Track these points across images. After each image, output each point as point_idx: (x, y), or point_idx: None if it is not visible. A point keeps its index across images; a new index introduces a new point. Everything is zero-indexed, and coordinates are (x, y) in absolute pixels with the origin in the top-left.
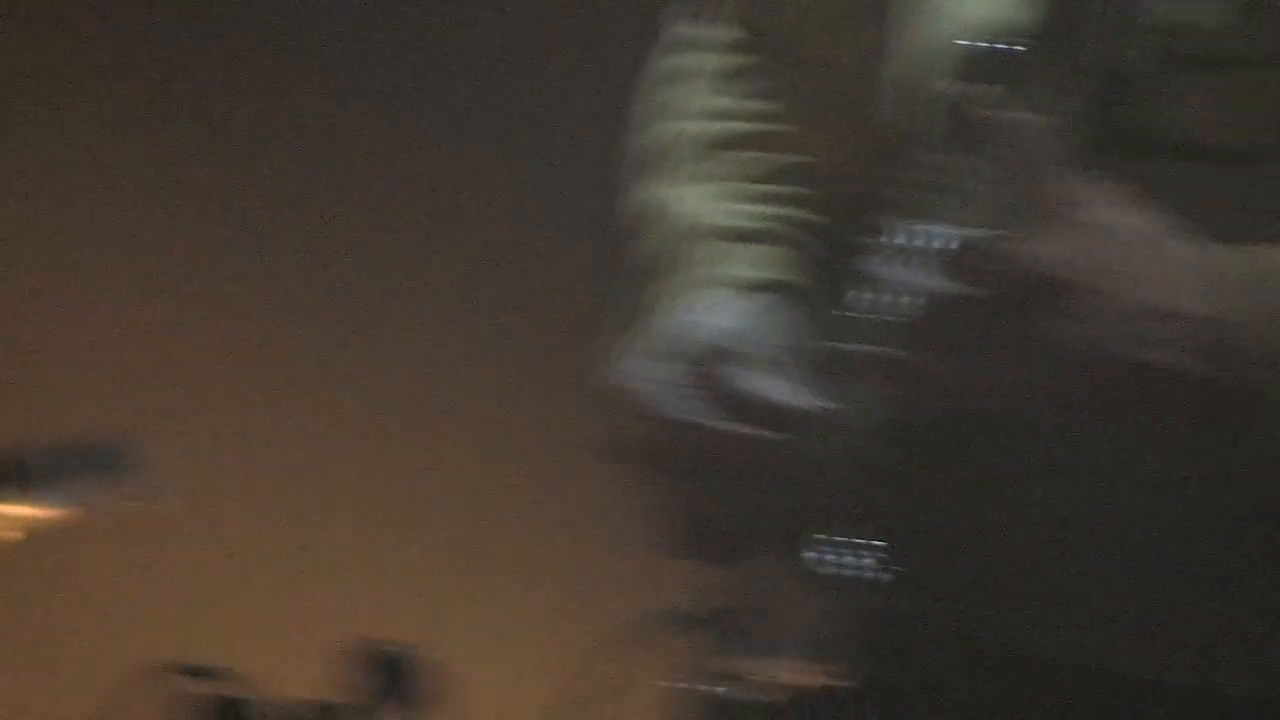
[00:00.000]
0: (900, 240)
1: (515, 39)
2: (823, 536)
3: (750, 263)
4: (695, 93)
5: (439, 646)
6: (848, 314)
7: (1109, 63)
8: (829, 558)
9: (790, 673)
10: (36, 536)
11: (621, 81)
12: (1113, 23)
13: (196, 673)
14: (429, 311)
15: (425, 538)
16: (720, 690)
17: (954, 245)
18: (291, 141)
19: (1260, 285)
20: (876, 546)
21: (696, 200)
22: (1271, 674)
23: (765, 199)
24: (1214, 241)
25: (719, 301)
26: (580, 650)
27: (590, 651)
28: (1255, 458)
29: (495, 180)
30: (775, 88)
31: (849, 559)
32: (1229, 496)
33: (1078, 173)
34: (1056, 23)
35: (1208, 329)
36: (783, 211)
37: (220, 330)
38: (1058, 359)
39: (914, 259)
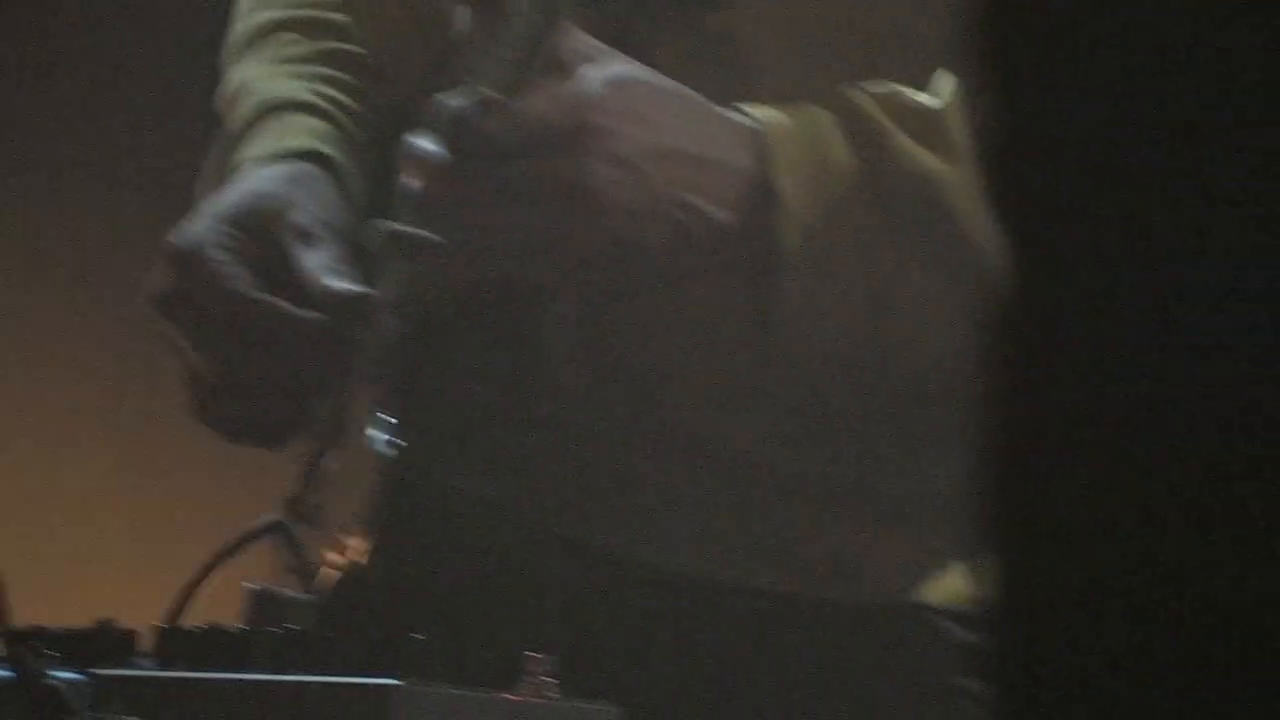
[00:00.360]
0: (428, 112)
1: None
2: (376, 417)
3: (300, 134)
4: None
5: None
6: (381, 190)
7: None
8: (381, 437)
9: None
10: None
11: None
12: None
13: None
14: None
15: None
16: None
17: (466, 108)
18: None
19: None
20: (409, 425)
21: (259, 78)
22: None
23: (315, 78)
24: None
25: (270, 171)
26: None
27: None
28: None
29: None
30: None
31: (393, 438)
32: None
33: (572, 29)
34: None
35: (709, 171)
36: (329, 91)
37: None
38: (579, 213)
39: (440, 128)
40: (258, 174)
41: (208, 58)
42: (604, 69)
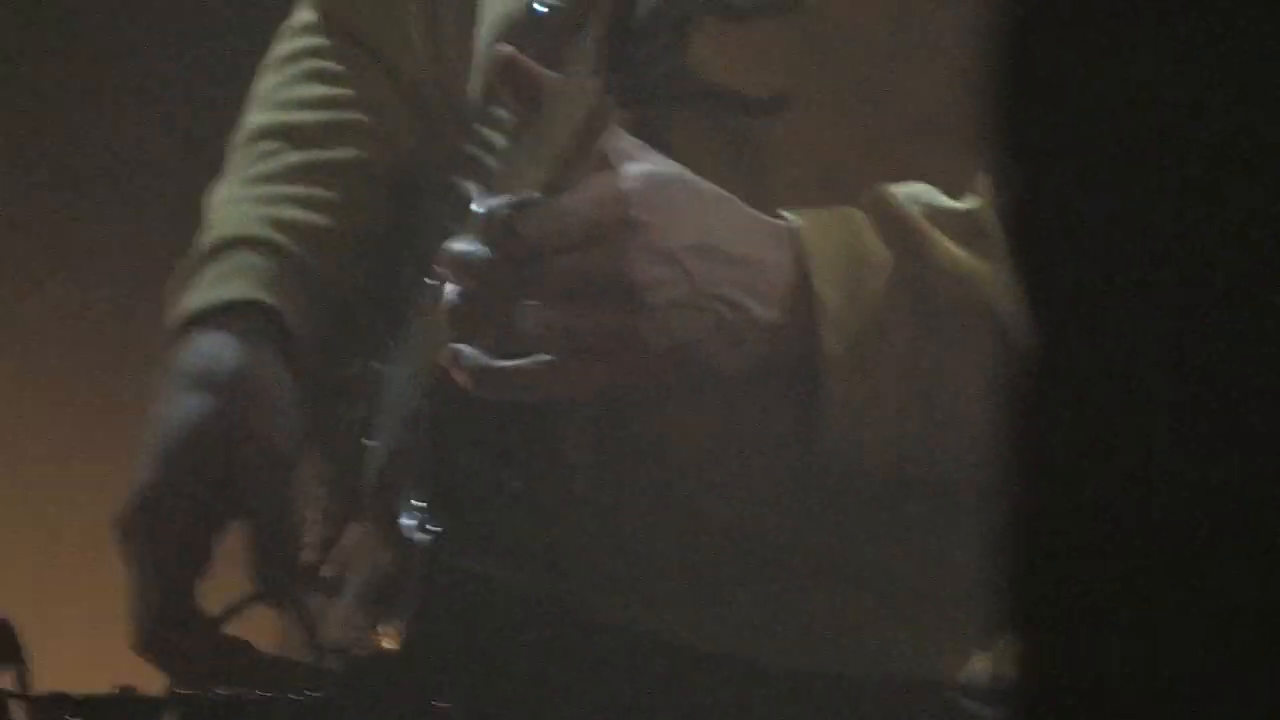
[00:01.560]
0: (454, 212)
1: None
2: (412, 500)
3: (240, 281)
4: (270, 80)
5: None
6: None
7: (632, 18)
8: (412, 522)
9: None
10: None
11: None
12: None
13: None
14: None
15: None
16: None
17: (505, 207)
18: None
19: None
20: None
21: (225, 201)
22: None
23: (280, 200)
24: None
25: (201, 376)
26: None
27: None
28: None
29: None
30: (333, 73)
31: (429, 521)
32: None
33: (612, 128)
34: None
35: (749, 269)
36: (291, 214)
37: None
38: (621, 309)
39: (478, 228)
40: (184, 398)
41: (208, 58)
42: (644, 166)
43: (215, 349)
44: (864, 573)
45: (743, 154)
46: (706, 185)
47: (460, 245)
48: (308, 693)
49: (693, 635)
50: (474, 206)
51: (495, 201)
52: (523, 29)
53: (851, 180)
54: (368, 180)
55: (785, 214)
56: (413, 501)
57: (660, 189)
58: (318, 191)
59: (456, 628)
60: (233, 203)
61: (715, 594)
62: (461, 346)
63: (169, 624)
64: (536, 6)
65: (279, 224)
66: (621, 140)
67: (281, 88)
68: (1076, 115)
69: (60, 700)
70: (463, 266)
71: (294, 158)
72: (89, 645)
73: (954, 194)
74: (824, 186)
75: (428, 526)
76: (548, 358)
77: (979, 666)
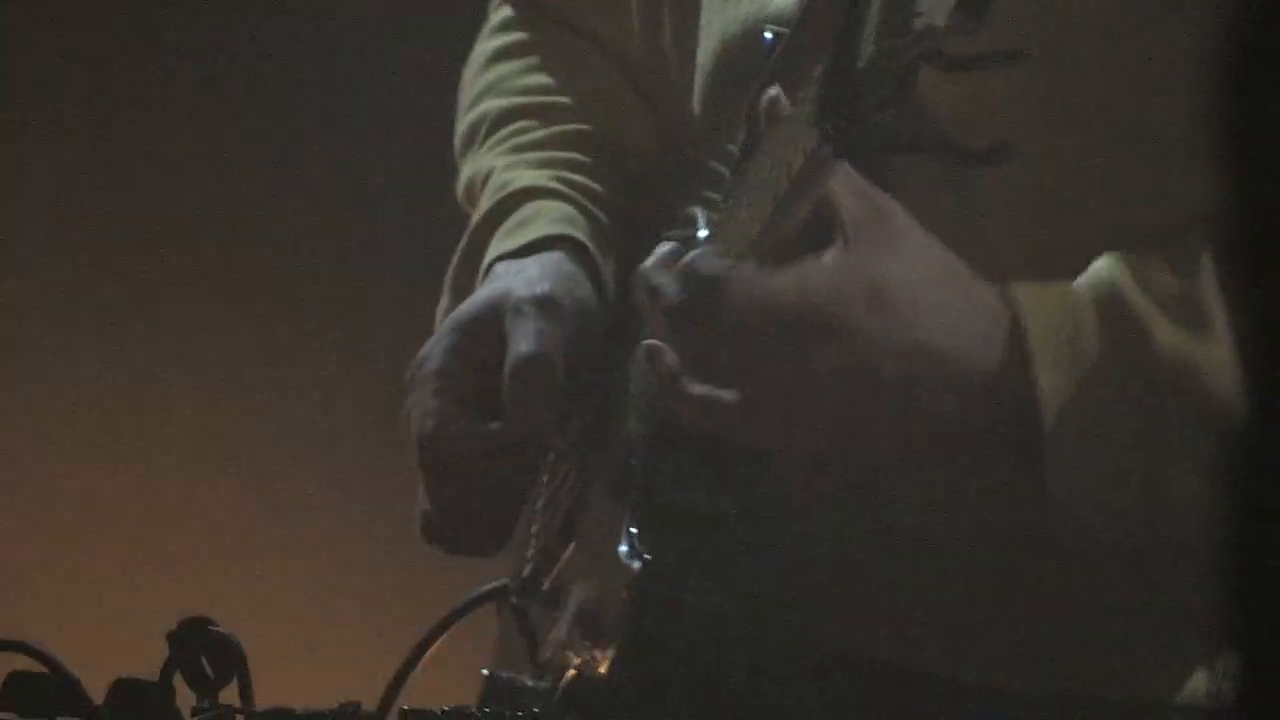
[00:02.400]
0: (680, 219)
1: None
2: (629, 528)
3: (547, 222)
4: (493, 72)
5: (248, 627)
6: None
7: (856, 62)
8: (627, 549)
9: (584, 658)
10: None
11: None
12: (862, 20)
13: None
14: None
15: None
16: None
17: (711, 268)
18: None
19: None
20: (651, 539)
21: (500, 168)
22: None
23: (555, 163)
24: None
25: (510, 267)
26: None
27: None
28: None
29: None
30: (561, 61)
31: (633, 545)
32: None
33: (840, 168)
34: (815, 19)
35: (963, 368)
36: (570, 175)
37: None
38: (800, 407)
39: (681, 275)
40: (501, 270)
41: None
42: (870, 251)
43: (527, 263)
44: (1078, 593)
45: (964, 200)
46: (931, 270)
47: (660, 278)
48: (528, 709)
49: (901, 655)
50: (697, 253)
51: (712, 261)
52: (744, 52)
53: (1075, 229)
54: (619, 152)
55: (1015, 294)
56: (629, 529)
57: (877, 286)
58: (581, 158)
59: (667, 653)
60: (510, 168)
61: (926, 618)
62: (662, 345)
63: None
64: (766, 34)
65: (564, 181)
66: (863, 202)
67: (512, 77)
68: None
69: (283, 714)
70: (656, 298)
71: (553, 130)
72: (310, 660)
73: (1178, 254)
74: (1047, 234)
75: (641, 554)
76: (727, 396)
77: (1196, 686)
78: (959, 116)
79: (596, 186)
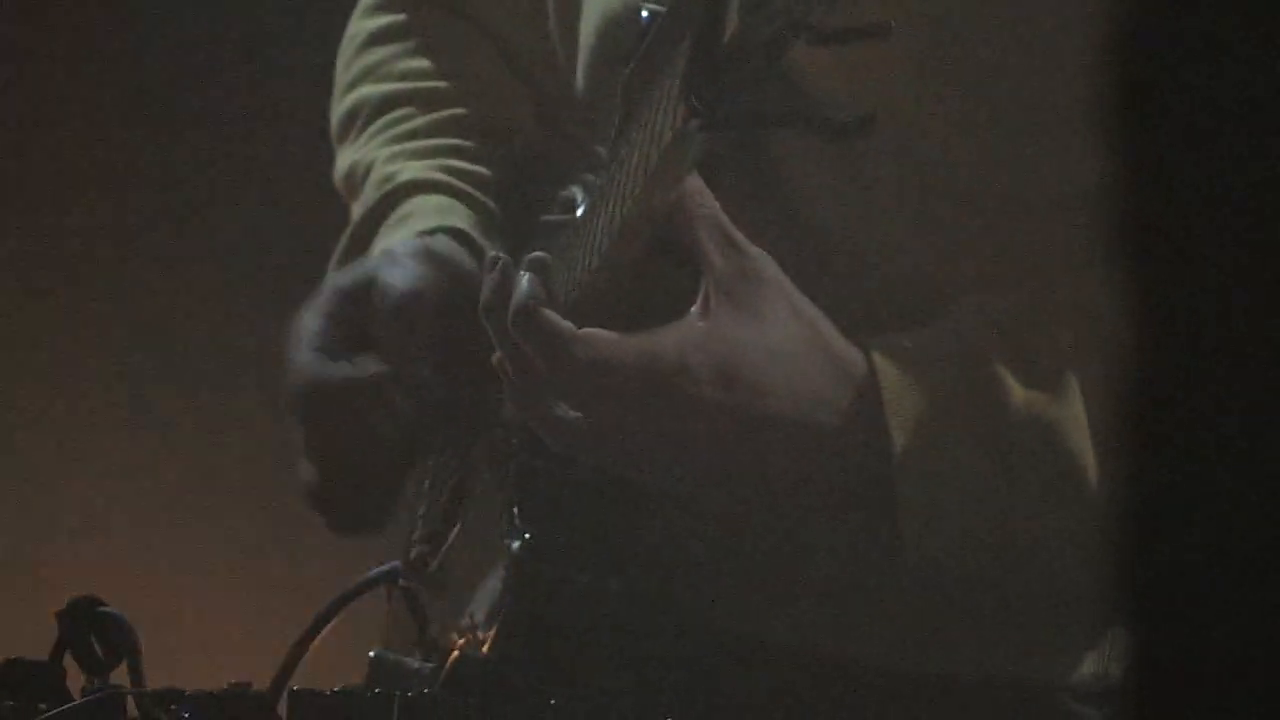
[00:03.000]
0: (560, 200)
1: None
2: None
3: (432, 216)
4: (372, 55)
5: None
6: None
7: (721, 37)
8: (509, 527)
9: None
10: None
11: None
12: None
13: None
14: None
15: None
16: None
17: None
18: None
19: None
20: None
21: (382, 160)
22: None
23: (436, 152)
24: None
25: (403, 252)
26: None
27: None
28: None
29: None
30: (441, 44)
31: (514, 525)
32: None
33: (713, 216)
34: None
35: (811, 435)
36: (452, 163)
37: None
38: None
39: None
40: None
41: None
42: (731, 320)
43: (412, 244)
44: (969, 580)
45: (842, 162)
46: (789, 337)
47: (498, 320)
48: (416, 690)
49: (788, 635)
50: (578, 212)
51: (549, 321)
52: (624, 30)
53: (950, 189)
54: (499, 135)
55: (872, 354)
56: (511, 509)
57: (730, 360)
58: (465, 143)
59: (549, 632)
60: (392, 160)
61: (813, 596)
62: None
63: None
64: (643, 11)
65: (447, 169)
66: (719, 240)
67: (390, 61)
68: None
69: (174, 695)
70: (498, 338)
71: (433, 117)
72: (203, 641)
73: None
74: (926, 196)
75: (522, 533)
76: (580, 419)
77: (1084, 666)
78: (832, 89)
79: (479, 170)
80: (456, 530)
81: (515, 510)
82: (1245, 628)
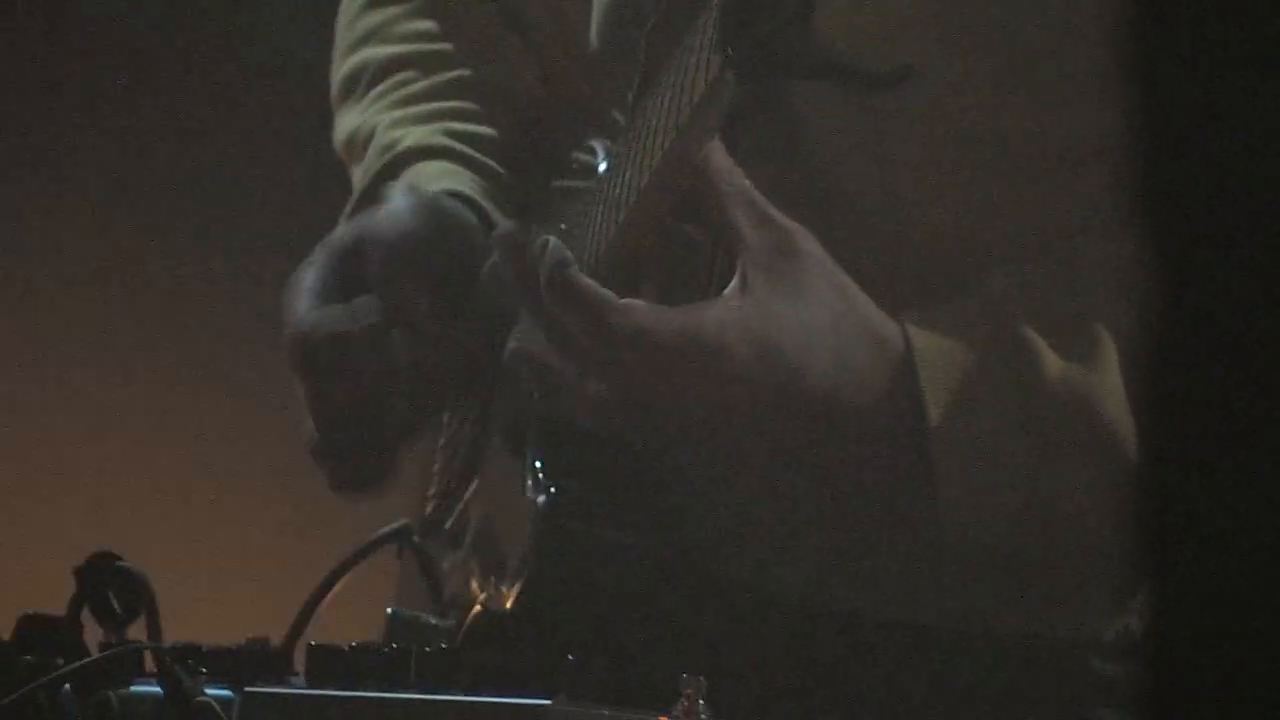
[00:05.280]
0: (576, 160)
1: None
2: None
3: (436, 183)
4: (374, 16)
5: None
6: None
7: None
8: (532, 482)
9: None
10: None
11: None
12: None
13: None
14: None
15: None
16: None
17: (588, 296)
18: None
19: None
20: (557, 473)
21: (385, 125)
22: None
23: (441, 115)
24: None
25: (400, 211)
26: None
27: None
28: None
29: None
30: (444, 5)
31: (536, 479)
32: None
33: (741, 186)
34: None
35: (847, 414)
36: (457, 126)
37: None
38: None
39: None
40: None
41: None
42: (767, 297)
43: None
44: (1003, 550)
45: (865, 125)
46: (825, 314)
47: (556, 253)
48: (434, 646)
49: (808, 591)
50: (600, 169)
51: (587, 287)
52: None
53: (976, 144)
54: (504, 96)
55: (907, 328)
56: (534, 464)
57: (768, 339)
58: (470, 106)
59: (571, 587)
60: (396, 125)
61: (833, 552)
62: (531, 353)
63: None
64: None
65: (451, 134)
66: (753, 215)
67: (393, 23)
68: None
69: (191, 651)
70: (527, 299)
71: (436, 80)
72: (220, 597)
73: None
74: (949, 152)
75: (546, 488)
76: (606, 392)
77: (1103, 622)
78: (860, 40)
79: (485, 131)
80: (473, 488)
81: (538, 465)
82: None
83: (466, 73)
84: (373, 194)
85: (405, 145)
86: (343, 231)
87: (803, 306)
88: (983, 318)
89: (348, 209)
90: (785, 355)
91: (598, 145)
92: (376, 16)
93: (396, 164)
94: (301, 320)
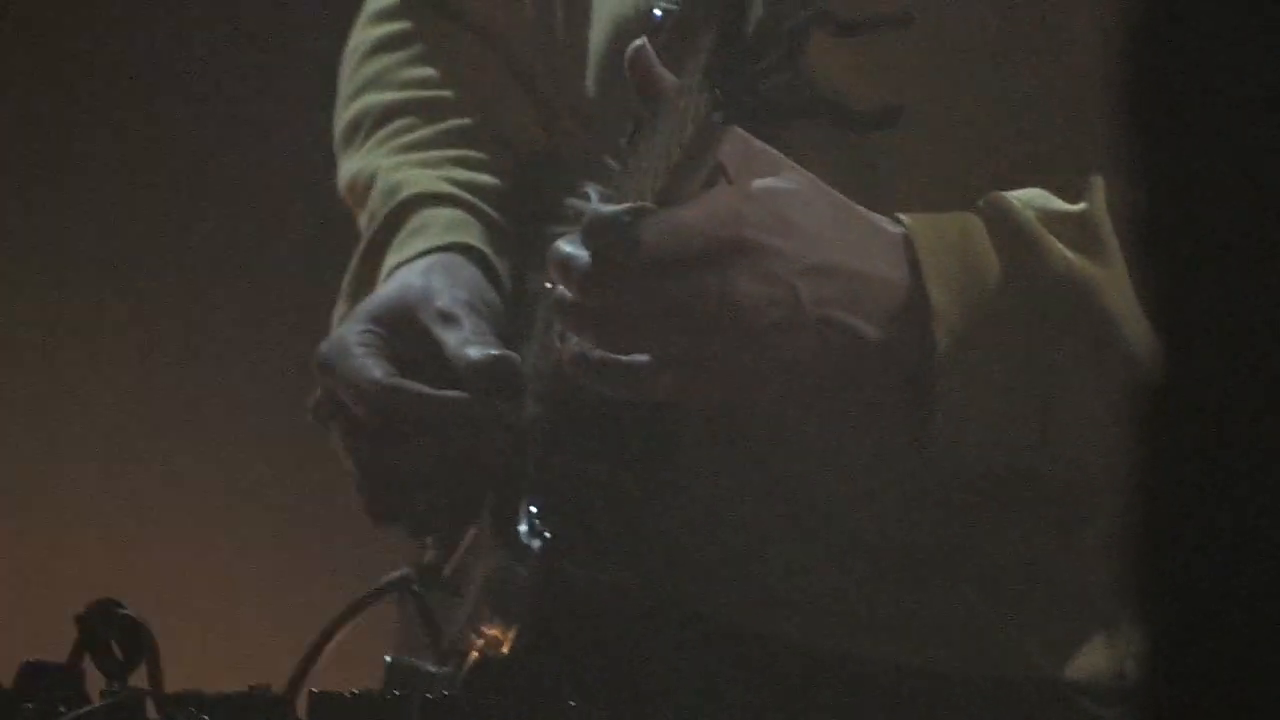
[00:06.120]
0: (571, 206)
1: None
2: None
3: (442, 231)
4: (375, 64)
5: (157, 611)
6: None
7: (744, 30)
8: (528, 527)
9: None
10: None
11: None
12: None
13: None
14: None
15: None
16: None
17: (618, 216)
18: None
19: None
20: (552, 517)
21: (386, 169)
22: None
23: (443, 163)
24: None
25: (413, 266)
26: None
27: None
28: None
29: None
30: (444, 53)
31: (533, 525)
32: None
33: (734, 133)
34: None
35: (860, 285)
36: (458, 174)
37: None
38: (727, 332)
39: (590, 233)
40: (401, 273)
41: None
42: (763, 183)
43: (426, 262)
44: (979, 572)
45: (857, 163)
46: (823, 197)
47: (568, 248)
48: (435, 693)
49: (806, 635)
50: (594, 207)
51: (611, 209)
52: (636, 32)
53: (968, 186)
54: (504, 144)
55: (901, 218)
56: (529, 508)
57: (777, 208)
58: (473, 154)
59: (570, 631)
60: (397, 170)
61: (830, 594)
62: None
63: (384, 489)
64: (655, 11)
65: (453, 181)
66: (743, 146)
67: (394, 70)
68: (1202, 119)
69: (193, 698)
70: (568, 270)
71: (438, 127)
72: (222, 645)
73: (1069, 198)
74: (941, 193)
75: (541, 532)
76: (645, 359)
77: (1099, 666)
78: (850, 80)
79: (486, 180)
80: (471, 535)
81: (534, 510)
82: (1262, 625)
83: (466, 121)
84: (383, 239)
85: (411, 190)
86: (384, 301)
87: (794, 188)
88: (980, 211)
89: (356, 255)
90: (797, 223)
91: (591, 190)
92: (377, 64)
93: (404, 210)
94: (379, 374)
